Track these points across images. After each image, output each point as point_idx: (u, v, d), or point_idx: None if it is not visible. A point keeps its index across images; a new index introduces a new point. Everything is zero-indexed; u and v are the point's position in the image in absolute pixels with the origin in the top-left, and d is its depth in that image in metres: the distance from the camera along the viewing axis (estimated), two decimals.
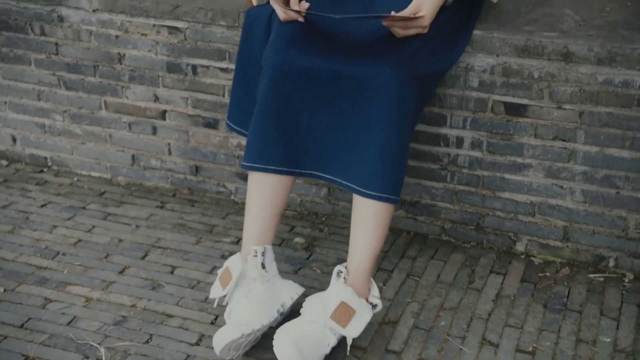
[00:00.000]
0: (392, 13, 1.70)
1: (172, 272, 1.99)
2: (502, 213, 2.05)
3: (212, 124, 2.28)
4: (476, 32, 1.92)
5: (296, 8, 1.80)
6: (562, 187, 1.97)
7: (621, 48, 1.78)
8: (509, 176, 2.01)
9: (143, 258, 2.06)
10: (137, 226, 2.21)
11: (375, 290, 1.73)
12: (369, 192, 1.69)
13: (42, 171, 2.51)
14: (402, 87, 1.69)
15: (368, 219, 1.71)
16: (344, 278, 1.69)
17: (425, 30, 1.77)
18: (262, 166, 1.78)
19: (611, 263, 1.99)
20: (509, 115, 1.96)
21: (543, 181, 1.98)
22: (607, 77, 1.82)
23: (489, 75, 1.94)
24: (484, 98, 1.96)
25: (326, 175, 1.79)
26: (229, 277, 1.73)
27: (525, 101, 1.93)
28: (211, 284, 1.92)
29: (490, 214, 2.07)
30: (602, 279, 1.97)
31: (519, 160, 1.98)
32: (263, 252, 1.76)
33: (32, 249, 2.08)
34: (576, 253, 2.02)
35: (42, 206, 2.30)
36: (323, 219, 2.25)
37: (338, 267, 1.71)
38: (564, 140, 1.92)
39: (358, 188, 1.71)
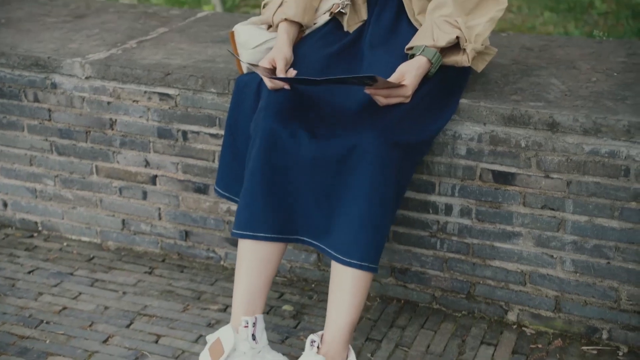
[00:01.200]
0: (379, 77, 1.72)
1: (156, 341, 1.96)
2: (492, 282, 2.02)
3: (202, 189, 2.28)
4: (463, 101, 1.93)
5: (282, 75, 1.82)
6: (552, 256, 1.94)
7: (606, 119, 1.78)
8: (498, 244, 1.99)
9: (128, 326, 2.03)
10: (124, 293, 2.18)
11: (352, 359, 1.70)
12: (348, 259, 1.68)
13: (32, 236, 2.50)
14: (385, 155, 1.70)
15: (346, 287, 1.69)
16: (317, 347, 1.67)
17: (408, 100, 1.78)
18: (251, 234, 1.78)
19: (604, 335, 1.95)
20: (497, 184, 1.95)
21: (533, 250, 1.95)
22: (593, 147, 1.82)
23: (477, 143, 1.93)
24: (472, 166, 1.96)
25: (309, 240, 1.78)
26: (220, 350, 1.71)
27: (513, 169, 1.92)
28: (196, 354, 1.89)
29: (481, 282, 2.04)
30: (595, 352, 1.92)
31: (509, 228, 1.96)
32: (254, 323, 1.74)
33: (15, 318, 2.06)
34: (568, 324, 1.98)
35: (29, 272, 2.28)
36: (313, 285, 2.23)
37: (311, 337, 1.69)
38: (552, 209, 1.90)
39: (338, 255, 1.70)
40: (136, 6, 2.89)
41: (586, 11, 4.74)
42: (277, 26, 1.96)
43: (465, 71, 1.96)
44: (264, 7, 2.01)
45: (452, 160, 1.97)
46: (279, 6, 1.95)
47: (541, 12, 4.79)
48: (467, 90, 1.98)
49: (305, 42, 2.00)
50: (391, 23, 1.98)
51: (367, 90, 1.75)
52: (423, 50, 1.78)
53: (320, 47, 1.97)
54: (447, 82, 1.91)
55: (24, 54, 2.30)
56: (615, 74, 2.05)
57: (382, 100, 1.76)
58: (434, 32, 1.78)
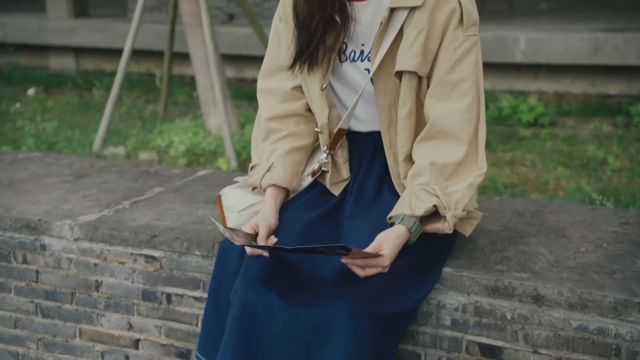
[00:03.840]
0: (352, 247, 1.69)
1: None
2: None
3: (184, 354, 2.20)
4: (446, 270, 1.87)
5: (262, 243, 1.80)
6: None
7: (591, 294, 1.69)
8: None
9: None
10: None
11: None
12: None
13: None
14: (360, 327, 1.63)
15: None
16: None
17: (386, 270, 1.73)
18: None
19: None
20: (484, 357, 1.84)
21: None
22: (581, 323, 1.72)
23: (462, 314, 1.85)
24: (457, 337, 1.86)
25: None
26: None
27: (500, 343, 1.82)
28: None
29: None
30: None
31: None
32: None
33: None
34: None
35: None
36: None
37: None
38: None
39: None
40: (139, 165, 2.96)
41: (600, 167, 4.73)
42: (264, 190, 1.96)
43: (451, 238, 1.92)
44: (251, 168, 2.03)
45: (437, 330, 1.88)
46: (267, 170, 1.95)
47: (555, 167, 4.79)
48: (452, 257, 1.93)
49: (288, 206, 2.00)
50: (374, 191, 1.97)
51: (344, 260, 1.71)
52: (402, 219, 1.76)
53: (302, 212, 1.96)
54: (431, 250, 1.86)
55: (16, 216, 2.33)
56: (605, 244, 1.98)
57: (359, 272, 1.71)
58: (411, 201, 1.77)
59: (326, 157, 1.97)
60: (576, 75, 6.75)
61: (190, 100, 6.73)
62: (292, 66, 1.92)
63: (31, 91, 7.41)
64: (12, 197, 2.51)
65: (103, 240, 2.25)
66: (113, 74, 5.41)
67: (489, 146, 5.31)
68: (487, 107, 6.18)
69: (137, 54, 7.67)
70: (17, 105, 6.80)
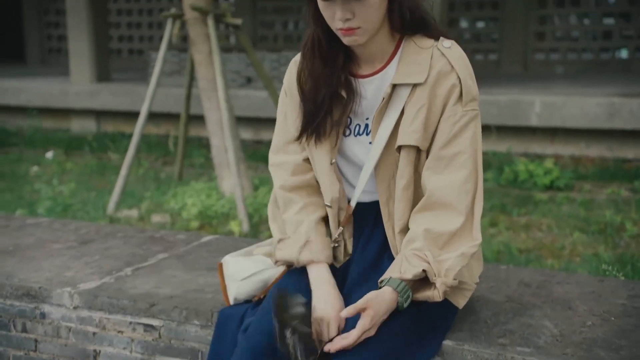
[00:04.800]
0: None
1: None
2: None
3: None
4: (447, 343, 1.82)
5: (331, 346, 1.71)
6: None
7: None
8: None
9: None
10: None
11: None
12: None
13: None
14: None
15: None
16: None
17: (373, 332, 1.68)
18: None
19: None
20: None
21: None
22: None
23: None
24: None
25: None
26: None
27: None
28: None
29: None
30: None
31: None
32: None
33: None
34: None
35: None
36: None
37: None
38: None
39: None
40: (144, 230, 2.96)
41: (617, 233, 4.64)
42: (300, 265, 1.87)
43: (450, 309, 1.87)
44: (279, 241, 1.93)
45: None
46: (304, 245, 1.87)
47: (571, 232, 4.71)
48: (453, 329, 1.87)
49: (292, 273, 1.96)
50: (374, 260, 1.94)
51: (326, 349, 1.68)
52: (389, 281, 1.72)
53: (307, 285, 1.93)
54: (428, 319, 1.81)
55: (17, 284, 2.32)
56: (613, 318, 1.92)
57: (346, 344, 1.67)
58: (402, 265, 1.74)
59: (338, 235, 1.94)
60: (593, 139, 6.71)
61: (207, 162, 6.78)
62: (299, 137, 1.92)
63: (49, 154, 7.53)
64: (16, 264, 2.51)
65: (102, 309, 2.23)
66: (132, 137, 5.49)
67: (504, 210, 5.25)
68: (502, 170, 6.14)
69: (157, 116, 7.80)
70: (35, 168, 6.90)
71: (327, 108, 1.84)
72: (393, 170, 1.85)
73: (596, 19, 10.11)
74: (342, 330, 1.75)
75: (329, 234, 1.95)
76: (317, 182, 1.96)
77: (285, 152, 1.97)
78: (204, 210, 4.97)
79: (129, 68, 11.57)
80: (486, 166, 6.39)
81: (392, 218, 1.86)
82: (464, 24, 10.80)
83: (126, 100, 8.50)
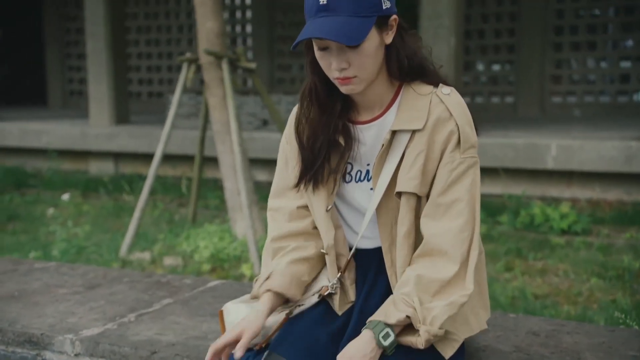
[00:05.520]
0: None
1: None
2: None
3: None
4: None
5: (240, 353, 1.74)
6: None
7: None
8: None
9: None
10: None
11: None
12: None
13: None
14: None
15: None
16: None
17: None
18: None
19: None
20: None
21: None
22: None
23: None
24: None
25: None
26: None
27: None
28: None
29: None
30: None
31: None
32: None
33: None
34: None
35: None
36: None
37: None
38: None
39: None
40: (151, 275, 2.95)
41: (636, 279, 4.55)
42: (259, 296, 1.90)
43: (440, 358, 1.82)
44: (255, 281, 1.99)
45: None
46: (266, 279, 1.91)
47: (588, 277, 4.62)
48: None
49: (295, 320, 1.94)
50: (378, 307, 1.90)
51: None
52: (372, 324, 1.70)
53: (310, 328, 1.90)
54: None
55: (19, 330, 2.31)
56: None
57: None
58: (388, 309, 1.71)
59: (336, 281, 1.92)
60: (610, 183, 6.64)
61: (221, 204, 6.79)
62: (297, 185, 1.92)
63: (65, 196, 7.59)
64: (20, 310, 2.50)
65: (104, 356, 2.20)
66: None
67: (520, 254, 5.17)
68: (518, 214, 6.07)
69: (173, 158, 7.86)
70: (51, 210, 6.95)
71: (325, 155, 1.84)
72: (395, 215, 1.84)
73: (613, 62, 10.10)
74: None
75: (306, 274, 1.93)
76: (314, 228, 1.94)
77: (283, 197, 1.97)
78: (216, 253, 4.96)
79: (148, 111, 11.72)
80: (502, 209, 6.33)
81: (395, 265, 1.84)
82: (480, 67, 10.84)
83: (144, 142, 8.59)
